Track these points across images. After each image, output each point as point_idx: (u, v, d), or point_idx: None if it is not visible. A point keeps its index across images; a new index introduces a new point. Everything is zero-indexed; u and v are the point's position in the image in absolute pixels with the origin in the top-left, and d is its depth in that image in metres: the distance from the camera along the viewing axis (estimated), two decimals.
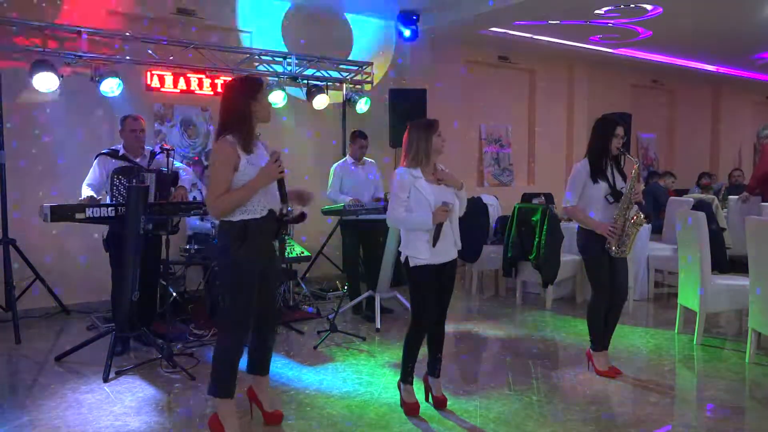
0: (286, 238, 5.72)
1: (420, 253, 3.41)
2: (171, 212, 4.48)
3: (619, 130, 4.06)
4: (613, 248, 4.02)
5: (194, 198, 4.76)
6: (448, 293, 3.62)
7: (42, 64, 5.41)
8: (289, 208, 3.32)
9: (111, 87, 5.72)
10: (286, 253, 5.44)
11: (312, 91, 7.10)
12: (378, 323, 5.40)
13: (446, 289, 3.59)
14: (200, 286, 5.89)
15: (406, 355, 3.58)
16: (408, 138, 3.51)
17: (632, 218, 4.01)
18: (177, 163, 4.92)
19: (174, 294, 5.38)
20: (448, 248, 3.50)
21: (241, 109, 3.09)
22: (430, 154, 3.46)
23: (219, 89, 6.62)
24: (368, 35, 7.91)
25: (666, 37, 8.71)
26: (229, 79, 6.38)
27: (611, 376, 4.18)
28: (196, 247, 5.58)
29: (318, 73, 7.30)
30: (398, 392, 3.67)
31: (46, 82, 5.43)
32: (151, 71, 6.30)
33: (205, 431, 3.30)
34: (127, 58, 6.03)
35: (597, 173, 4.08)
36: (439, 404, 3.64)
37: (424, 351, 3.68)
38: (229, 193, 3.06)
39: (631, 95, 11.21)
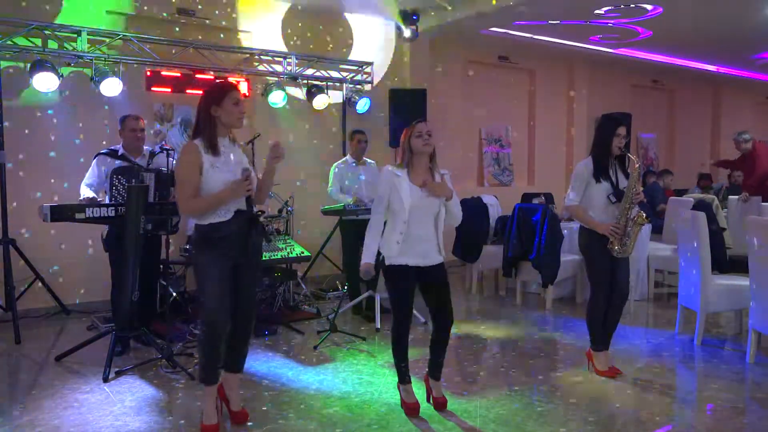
0: (281, 236, 5.73)
1: (391, 251, 3.44)
2: (171, 212, 4.48)
3: (621, 130, 4.06)
4: (616, 248, 4.02)
5: None
6: (444, 297, 3.55)
7: (42, 64, 5.41)
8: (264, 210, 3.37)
9: (111, 87, 5.72)
10: (286, 253, 5.44)
11: (312, 91, 7.10)
12: (378, 323, 5.40)
13: (440, 293, 3.54)
14: None
15: (395, 355, 3.58)
16: (401, 140, 3.57)
17: (634, 217, 4.01)
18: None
19: (174, 294, 5.38)
20: (428, 252, 3.48)
21: (204, 114, 3.22)
22: (412, 154, 3.48)
23: None
24: (368, 35, 7.91)
25: (666, 37, 8.71)
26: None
27: (611, 376, 4.18)
28: (190, 247, 5.57)
29: (318, 73, 7.30)
30: (398, 392, 3.68)
31: (46, 82, 5.43)
32: (151, 71, 6.30)
33: None
34: (127, 58, 6.03)
35: (600, 172, 4.08)
36: (439, 406, 3.63)
37: (425, 351, 3.68)
38: (199, 198, 3.17)
39: (631, 95, 11.22)
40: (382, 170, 3.55)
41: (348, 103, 7.53)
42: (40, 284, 5.66)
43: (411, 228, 3.42)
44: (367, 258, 3.45)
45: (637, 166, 4.07)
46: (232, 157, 3.27)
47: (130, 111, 5.15)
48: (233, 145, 3.33)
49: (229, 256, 3.22)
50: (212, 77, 6.52)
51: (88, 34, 5.78)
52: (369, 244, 3.47)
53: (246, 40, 7.03)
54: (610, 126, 4.09)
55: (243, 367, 3.50)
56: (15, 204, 5.61)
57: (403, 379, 3.60)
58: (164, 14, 6.42)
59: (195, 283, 3.46)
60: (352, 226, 5.71)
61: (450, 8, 7.27)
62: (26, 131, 5.77)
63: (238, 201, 3.25)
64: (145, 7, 6.31)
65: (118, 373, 4.19)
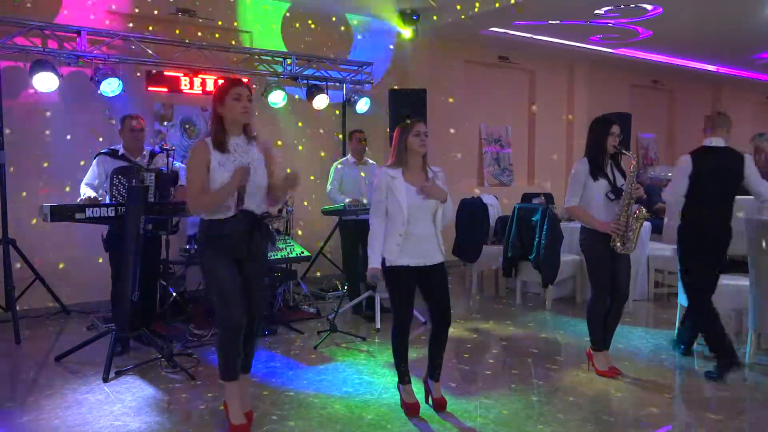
0: (281, 236, 5.73)
1: (390, 253, 3.43)
2: (171, 212, 4.49)
3: (615, 129, 4.08)
4: (618, 245, 4.02)
5: None
6: (443, 297, 3.55)
7: (42, 64, 5.40)
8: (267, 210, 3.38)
9: (111, 87, 5.71)
10: (286, 253, 5.44)
11: (312, 91, 7.09)
12: (378, 323, 5.40)
13: (439, 293, 3.54)
14: (200, 286, 5.88)
15: (395, 356, 3.59)
16: (394, 139, 3.56)
17: (635, 213, 4.02)
18: (177, 163, 4.92)
19: (174, 294, 5.38)
20: (428, 251, 3.48)
21: (212, 112, 3.29)
22: (407, 153, 3.47)
23: None
24: (368, 35, 7.90)
25: (666, 37, 8.70)
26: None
27: (611, 376, 4.18)
28: (196, 247, 5.57)
29: (318, 73, 7.30)
30: (398, 392, 3.67)
31: (46, 82, 5.43)
32: (151, 71, 6.30)
33: (204, 431, 3.34)
34: (127, 58, 6.03)
35: (596, 171, 4.09)
36: (439, 406, 3.63)
37: (425, 351, 3.68)
38: (206, 194, 3.18)
39: (631, 95, 11.21)
40: (375, 172, 3.55)
41: (348, 103, 7.53)
42: (40, 284, 5.66)
43: (411, 228, 3.42)
44: (374, 263, 3.44)
45: (634, 162, 4.08)
46: (244, 156, 3.24)
47: (130, 111, 5.15)
48: (249, 144, 3.29)
49: (232, 254, 3.21)
50: (213, 77, 6.53)
51: (88, 34, 5.78)
52: (374, 249, 3.46)
53: (246, 40, 7.03)
54: (603, 125, 4.11)
55: (250, 367, 3.49)
56: (15, 202, 5.61)
57: (403, 379, 3.61)
58: (164, 14, 6.42)
59: (203, 284, 3.45)
60: (352, 226, 5.71)
61: (459, 7, 7.16)
62: (26, 131, 5.76)
63: (245, 199, 3.19)
64: (145, 7, 6.31)
65: (118, 373, 4.19)
